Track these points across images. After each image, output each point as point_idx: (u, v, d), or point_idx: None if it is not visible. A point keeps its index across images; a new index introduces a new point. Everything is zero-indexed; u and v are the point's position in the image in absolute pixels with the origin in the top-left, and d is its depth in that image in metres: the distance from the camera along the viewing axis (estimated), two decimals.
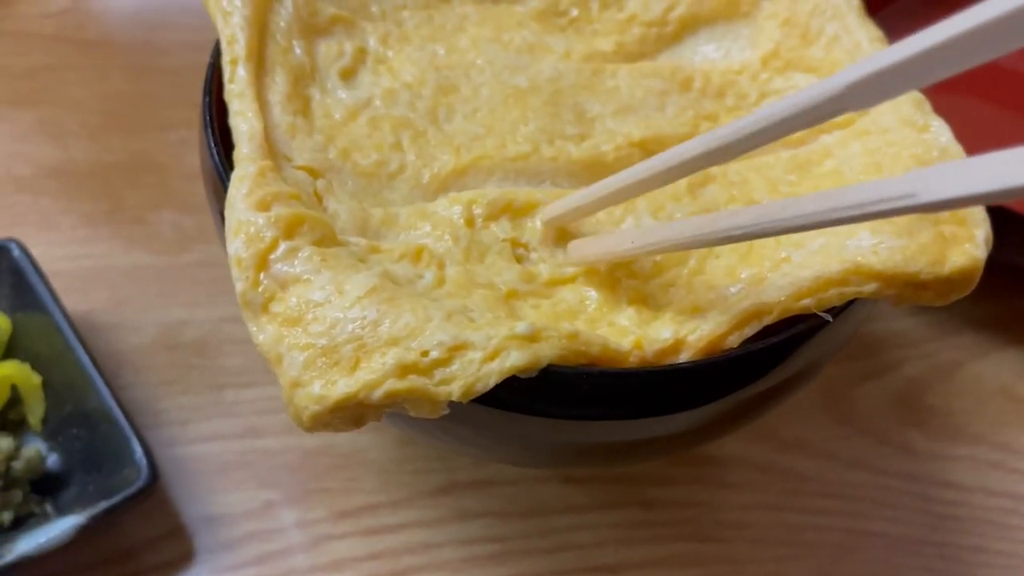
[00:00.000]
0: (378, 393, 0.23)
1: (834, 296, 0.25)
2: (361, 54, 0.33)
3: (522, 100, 0.33)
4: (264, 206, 0.26)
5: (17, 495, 0.33)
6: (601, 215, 0.30)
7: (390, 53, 0.33)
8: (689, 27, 0.37)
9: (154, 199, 0.46)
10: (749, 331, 0.25)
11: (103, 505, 0.32)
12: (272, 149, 0.28)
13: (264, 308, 0.25)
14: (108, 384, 0.35)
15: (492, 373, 0.23)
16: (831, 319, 0.25)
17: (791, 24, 0.35)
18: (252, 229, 0.25)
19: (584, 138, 0.32)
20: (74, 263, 0.43)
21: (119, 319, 0.41)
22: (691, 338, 0.26)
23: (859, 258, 0.25)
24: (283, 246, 0.25)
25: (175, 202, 0.46)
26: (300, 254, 0.25)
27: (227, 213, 0.26)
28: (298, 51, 0.31)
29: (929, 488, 0.40)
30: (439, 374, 0.23)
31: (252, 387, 0.39)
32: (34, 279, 0.37)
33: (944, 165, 0.19)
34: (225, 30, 0.30)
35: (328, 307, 0.24)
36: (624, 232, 0.28)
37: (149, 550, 0.35)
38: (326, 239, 0.26)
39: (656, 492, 0.39)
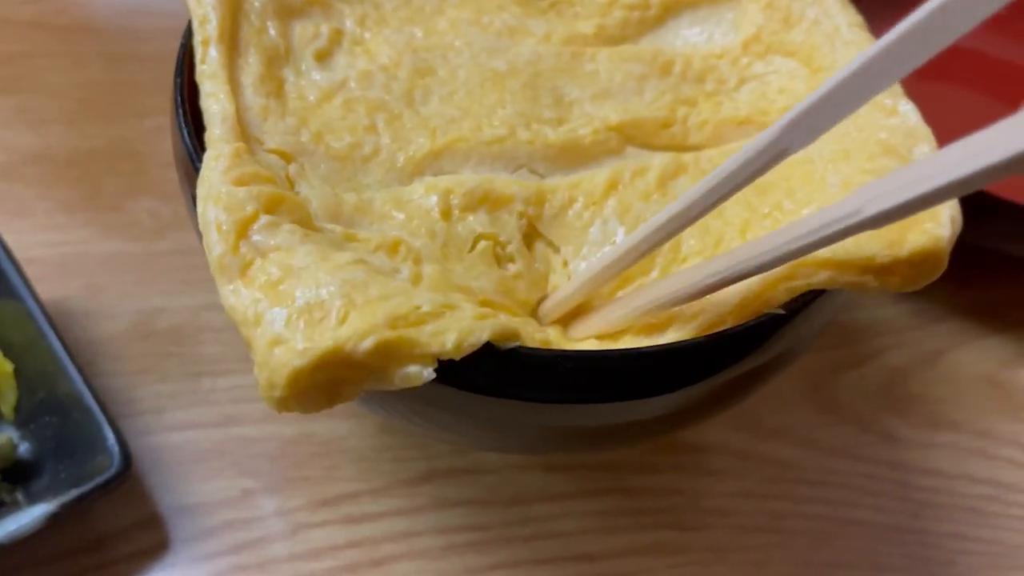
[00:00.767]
0: (367, 343, 0.22)
1: (782, 292, 0.25)
2: (337, 36, 0.32)
3: (500, 83, 0.32)
4: (243, 183, 0.25)
5: None
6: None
7: (367, 35, 0.33)
8: (672, 10, 0.36)
9: (131, 186, 0.45)
10: None
11: (74, 493, 0.31)
12: (244, 131, 0.28)
13: (241, 273, 0.23)
14: (81, 371, 0.34)
15: (486, 327, 0.23)
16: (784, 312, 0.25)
17: (773, 7, 0.35)
18: (232, 200, 0.24)
19: (561, 122, 0.32)
20: (50, 250, 0.42)
21: (95, 307, 0.40)
22: None
23: None
24: (264, 219, 0.24)
25: (152, 189, 0.45)
26: (282, 227, 0.24)
27: (200, 189, 0.25)
28: (272, 32, 0.31)
29: (911, 475, 0.40)
30: (432, 326, 0.23)
31: (229, 375, 0.39)
32: (6, 265, 0.36)
33: (886, 176, 0.19)
34: (197, 10, 0.29)
35: (314, 269, 0.23)
36: (616, 302, 0.28)
37: (123, 539, 0.34)
38: (304, 222, 0.26)
39: (638, 480, 0.38)
